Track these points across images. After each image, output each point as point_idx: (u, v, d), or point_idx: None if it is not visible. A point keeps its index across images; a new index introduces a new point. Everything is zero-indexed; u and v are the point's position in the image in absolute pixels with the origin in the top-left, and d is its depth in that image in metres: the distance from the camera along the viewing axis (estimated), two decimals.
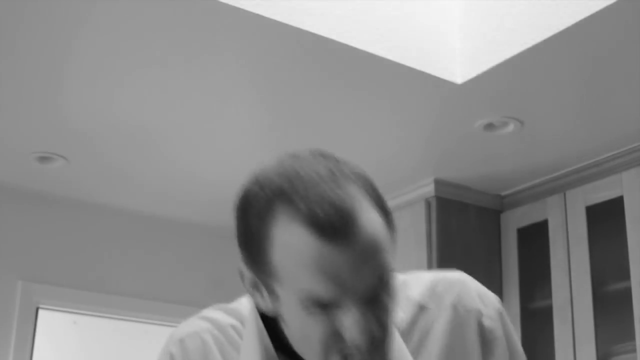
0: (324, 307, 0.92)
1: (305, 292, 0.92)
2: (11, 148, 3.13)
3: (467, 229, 3.32)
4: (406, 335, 1.06)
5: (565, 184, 3.17)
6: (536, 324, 3.20)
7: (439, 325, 1.07)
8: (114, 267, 3.66)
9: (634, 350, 2.76)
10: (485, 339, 1.08)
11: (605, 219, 3.03)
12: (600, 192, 3.01)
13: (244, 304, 1.11)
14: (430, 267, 3.17)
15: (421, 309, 1.08)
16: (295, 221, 0.91)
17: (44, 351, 3.59)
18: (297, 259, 0.91)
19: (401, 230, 3.31)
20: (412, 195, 3.34)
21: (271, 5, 2.24)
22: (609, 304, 2.96)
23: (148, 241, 3.76)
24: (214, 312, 1.12)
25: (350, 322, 0.92)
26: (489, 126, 2.85)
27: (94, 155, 3.18)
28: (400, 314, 1.05)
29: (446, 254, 3.21)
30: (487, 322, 1.08)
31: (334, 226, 0.90)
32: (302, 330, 0.96)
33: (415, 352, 1.05)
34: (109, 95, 2.69)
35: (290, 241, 0.91)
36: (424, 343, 1.06)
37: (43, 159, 3.19)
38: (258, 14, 2.22)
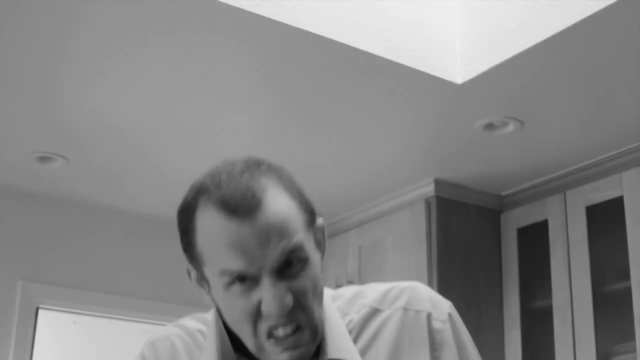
0: (242, 282, 1.03)
1: (221, 267, 1.04)
2: (11, 148, 3.13)
3: (467, 229, 3.31)
4: (357, 333, 1.14)
5: (565, 184, 3.16)
6: (536, 324, 3.19)
7: (389, 326, 1.14)
8: (114, 267, 3.66)
9: (634, 350, 2.75)
10: (434, 340, 1.13)
11: (605, 219, 3.03)
12: (600, 192, 3.01)
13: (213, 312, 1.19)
14: (430, 267, 3.17)
15: (374, 311, 1.15)
16: (210, 207, 1.05)
17: (44, 351, 3.58)
18: (211, 238, 1.04)
19: (401, 230, 3.34)
20: (412, 195, 3.34)
21: (271, 5, 2.24)
22: (609, 304, 2.96)
23: (148, 241, 3.76)
24: (186, 320, 1.24)
25: (263, 294, 1.02)
26: (489, 126, 2.85)
27: (94, 155, 3.18)
28: (351, 315, 1.15)
29: (446, 254, 3.21)
30: (436, 324, 1.14)
31: (239, 206, 1.02)
32: (229, 309, 1.07)
33: (365, 349, 1.12)
34: (109, 96, 2.69)
35: (206, 224, 1.05)
36: (374, 342, 1.13)
37: (43, 159, 3.19)
38: (258, 14, 2.22)
